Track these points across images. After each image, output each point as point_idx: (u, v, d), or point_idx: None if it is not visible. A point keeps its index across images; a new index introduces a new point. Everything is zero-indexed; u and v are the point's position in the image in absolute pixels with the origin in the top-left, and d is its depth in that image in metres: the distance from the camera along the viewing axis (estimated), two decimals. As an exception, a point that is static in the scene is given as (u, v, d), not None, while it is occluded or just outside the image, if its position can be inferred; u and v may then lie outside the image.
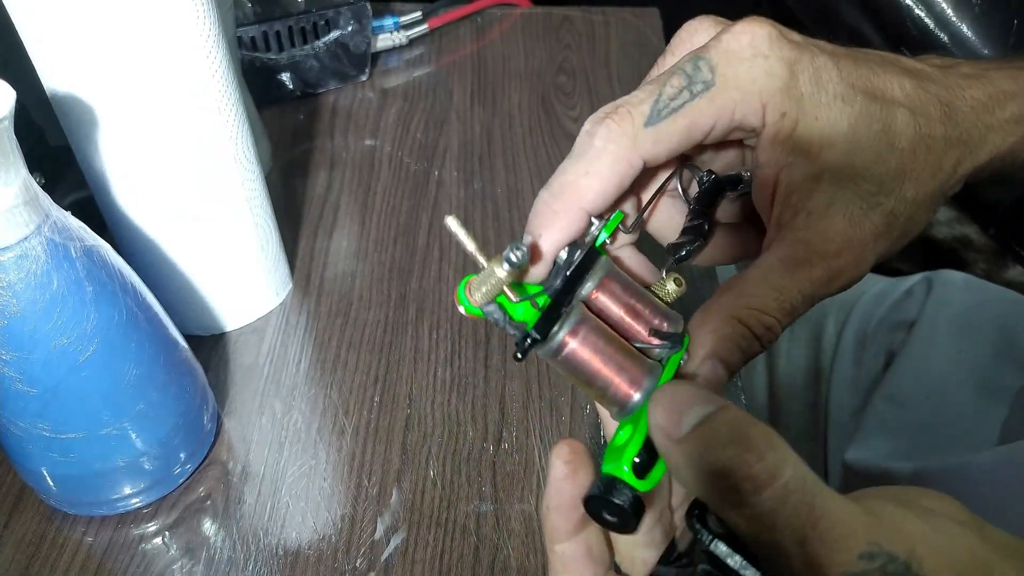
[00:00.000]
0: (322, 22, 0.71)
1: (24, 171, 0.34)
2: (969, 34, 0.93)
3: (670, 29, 0.50)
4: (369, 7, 0.72)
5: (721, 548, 0.22)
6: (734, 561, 0.22)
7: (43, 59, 0.41)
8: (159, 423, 0.42)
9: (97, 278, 0.37)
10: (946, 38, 0.93)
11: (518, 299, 0.28)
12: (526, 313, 0.28)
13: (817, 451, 0.69)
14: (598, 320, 0.28)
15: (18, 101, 0.32)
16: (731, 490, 0.21)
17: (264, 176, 0.51)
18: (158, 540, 0.43)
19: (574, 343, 0.27)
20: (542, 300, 0.28)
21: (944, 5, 0.93)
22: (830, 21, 1.03)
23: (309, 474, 0.46)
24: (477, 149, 0.69)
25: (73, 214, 0.38)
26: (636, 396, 0.27)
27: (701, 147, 0.33)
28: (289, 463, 0.47)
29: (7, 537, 0.43)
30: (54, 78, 0.41)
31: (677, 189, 0.34)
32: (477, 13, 0.84)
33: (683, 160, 0.34)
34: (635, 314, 0.29)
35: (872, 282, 0.74)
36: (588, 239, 0.30)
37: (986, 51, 0.92)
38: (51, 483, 0.42)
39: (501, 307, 0.28)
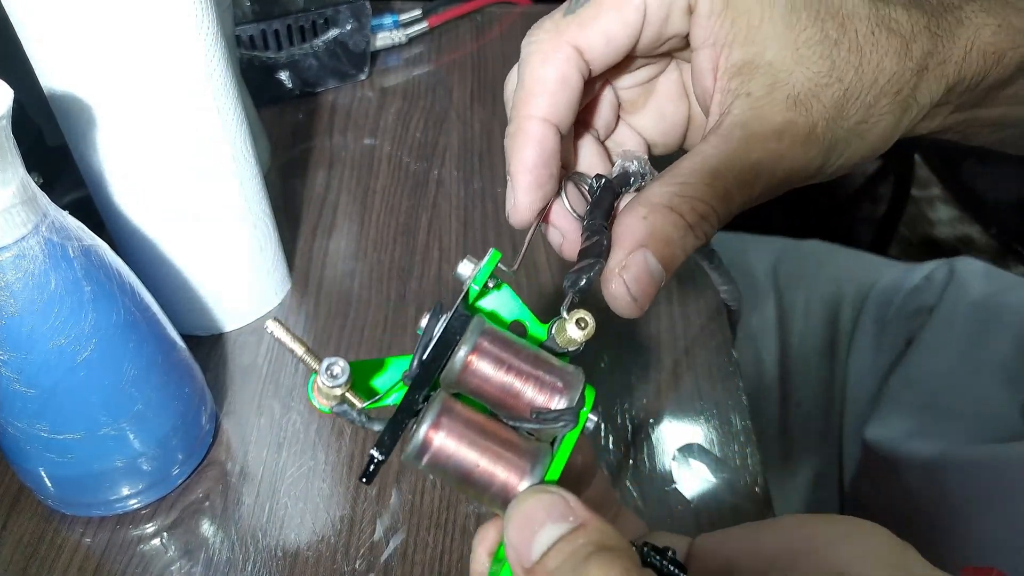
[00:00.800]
0: (321, 20, 0.71)
1: (22, 170, 0.34)
2: None
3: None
4: (368, 5, 0.72)
5: None
6: None
7: (41, 59, 0.41)
8: (157, 423, 0.42)
9: (95, 278, 0.37)
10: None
11: (362, 404, 0.24)
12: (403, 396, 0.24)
13: (832, 428, 0.69)
14: (465, 408, 0.24)
15: (16, 100, 0.32)
16: None
17: (263, 176, 0.51)
18: (156, 541, 0.43)
19: (437, 440, 0.23)
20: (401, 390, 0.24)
21: None
22: None
23: (308, 475, 0.46)
24: (477, 148, 0.69)
25: (71, 214, 0.38)
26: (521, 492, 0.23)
27: (651, 56, 0.32)
28: (288, 464, 0.47)
29: (5, 538, 0.43)
30: (52, 78, 0.41)
31: (566, 204, 0.31)
32: (477, 11, 0.84)
33: (568, 173, 0.32)
34: (525, 378, 0.24)
35: (889, 268, 0.74)
36: (460, 298, 0.26)
37: None
38: (49, 484, 0.42)
39: (352, 407, 0.24)
